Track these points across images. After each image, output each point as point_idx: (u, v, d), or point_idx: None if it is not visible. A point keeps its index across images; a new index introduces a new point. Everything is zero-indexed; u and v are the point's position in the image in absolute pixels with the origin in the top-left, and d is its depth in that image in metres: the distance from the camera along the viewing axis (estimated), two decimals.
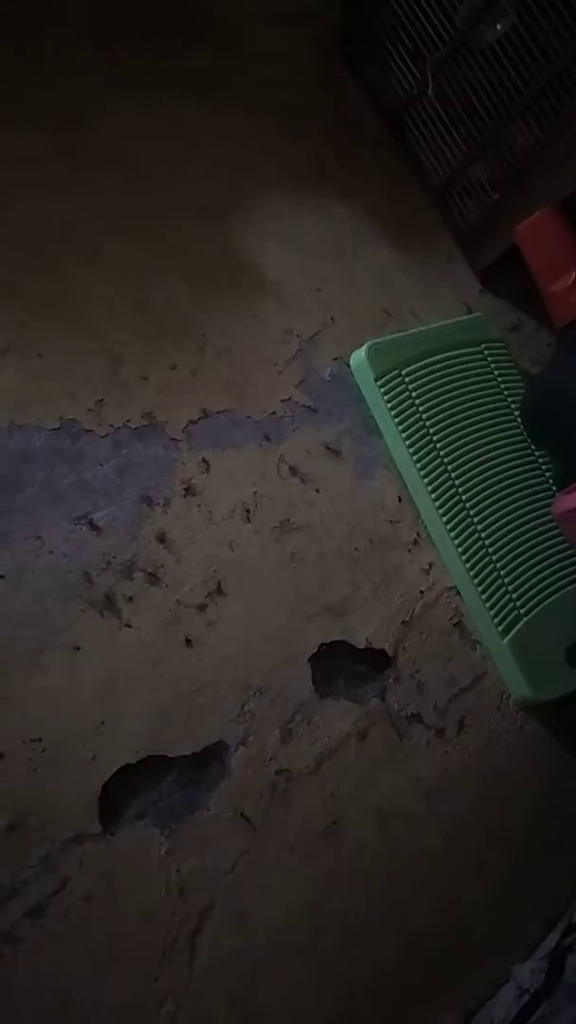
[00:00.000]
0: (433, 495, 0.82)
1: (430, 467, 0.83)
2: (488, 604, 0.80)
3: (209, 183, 0.86)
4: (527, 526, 0.85)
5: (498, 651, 0.80)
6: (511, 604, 0.81)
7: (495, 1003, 0.69)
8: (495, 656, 0.80)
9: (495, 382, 0.91)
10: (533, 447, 0.90)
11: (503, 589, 0.81)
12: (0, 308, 0.69)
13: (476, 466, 0.85)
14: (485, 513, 0.83)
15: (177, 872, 0.61)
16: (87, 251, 0.75)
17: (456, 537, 0.81)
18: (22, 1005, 0.54)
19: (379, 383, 0.83)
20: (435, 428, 0.84)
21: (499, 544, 0.83)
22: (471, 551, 0.81)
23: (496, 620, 0.79)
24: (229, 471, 0.74)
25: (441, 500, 0.82)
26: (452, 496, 0.83)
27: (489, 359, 0.92)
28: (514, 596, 0.81)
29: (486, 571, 0.81)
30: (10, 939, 0.54)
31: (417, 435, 0.83)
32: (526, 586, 0.82)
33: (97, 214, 0.77)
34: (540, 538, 0.85)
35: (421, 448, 0.83)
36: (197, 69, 0.91)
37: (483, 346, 0.92)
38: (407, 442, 0.83)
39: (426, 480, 0.82)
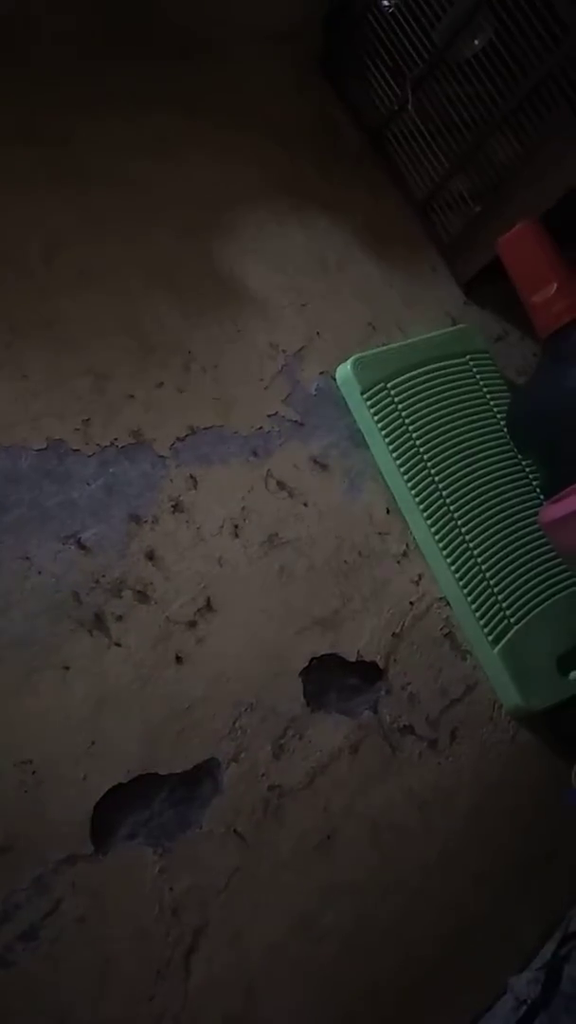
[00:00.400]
0: (421, 506, 0.82)
1: (418, 478, 0.83)
2: (478, 614, 0.80)
3: (194, 199, 0.87)
4: (515, 535, 0.85)
5: (489, 661, 0.80)
6: (501, 613, 0.81)
7: (492, 1014, 0.69)
8: (486, 666, 0.80)
9: (481, 392, 0.92)
10: (519, 456, 0.90)
11: (492, 599, 0.81)
12: None
13: (463, 476, 0.86)
14: (473, 523, 0.84)
15: (170, 891, 0.60)
16: (72, 269, 0.76)
17: (445, 548, 0.82)
18: None
19: (365, 396, 0.84)
20: (422, 439, 0.85)
21: (488, 554, 0.83)
22: (460, 561, 0.82)
23: (486, 630, 0.79)
24: (217, 487, 0.75)
25: (429, 511, 0.82)
26: (440, 507, 0.83)
27: (474, 369, 0.92)
28: (504, 605, 0.81)
29: (475, 581, 0.81)
30: (3, 962, 0.54)
31: (404, 447, 0.84)
32: (515, 595, 0.82)
33: (83, 231, 0.78)
34: (528, 547, 0.85)
35: (408, 460, 0.83)
36: (182, 86, 0.92)
37: (468, 357, 0.93)
38: (394, 454, 0.83)
39: (414, 491, 0.82)
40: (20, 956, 0.55)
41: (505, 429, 0.91)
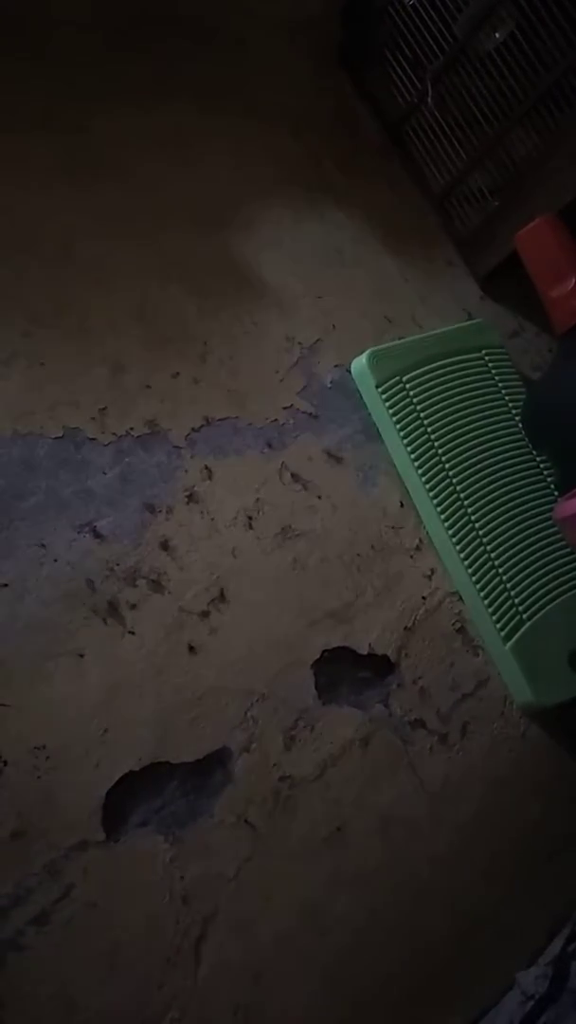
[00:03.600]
0: (435, 500, 0.82)
1: (431, 472, 0.83)
2: (490, 609, 0.80)
3: (211, 191, 0.87)
4: (529, 531, 0.85)
5: (501, 656, 0.80)
6: (513, 609, 0.81)
7: (499, 1009, 0.69)
8: (497, 661, 0.80)
9: (496, 387, 0.91)
10: (534, 452, 0.90)
11: (505, 594, 0.81)
12: (4, 318, 0.69)
13: (477, 471, 0.85)
14: (487, 518, 0.84)
15: (181, 879, 0.61)
16: (90, 260, 0.76)
17: (458, 542, 0.81)
18: (27, 1013, 0.54)
19: (380, 389, 0.84)
20: (436, 434, 0.85)
21: (501, 549, 0.83)
22: (473, 556, 0.81)
23: (498, 625, 0.79)
24: (231, 478, 0.75)
25: (443, 505, 0.82)
26: (454, 501, 0.83)
27: (490, 364, 0.92)
28: (516, 601, 0.81)
29: (488, 576, 0.81)
30: (15, 946, 0.55)
31: (418, 441, 0.84)
32: (528, 591, 0.82)
33: (99, 222, 0.78)
34: (542, 543, 0.85)
35: (422, 454, 0.83)
36: (199, 78, 0.92)
37: (484, 352, 0.92)
38: (408, 448, 0.83)
39: (428, 485, 0.82)
40: (31, 940, 0.55)
41: (519, 425, 0.90)
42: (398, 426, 0.83)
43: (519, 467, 0.88)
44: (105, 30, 0.87)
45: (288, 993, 0.62)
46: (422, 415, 0.85)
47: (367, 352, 0.85)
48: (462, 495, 0.83)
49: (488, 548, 0.82)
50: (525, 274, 0.87)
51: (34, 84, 0.80)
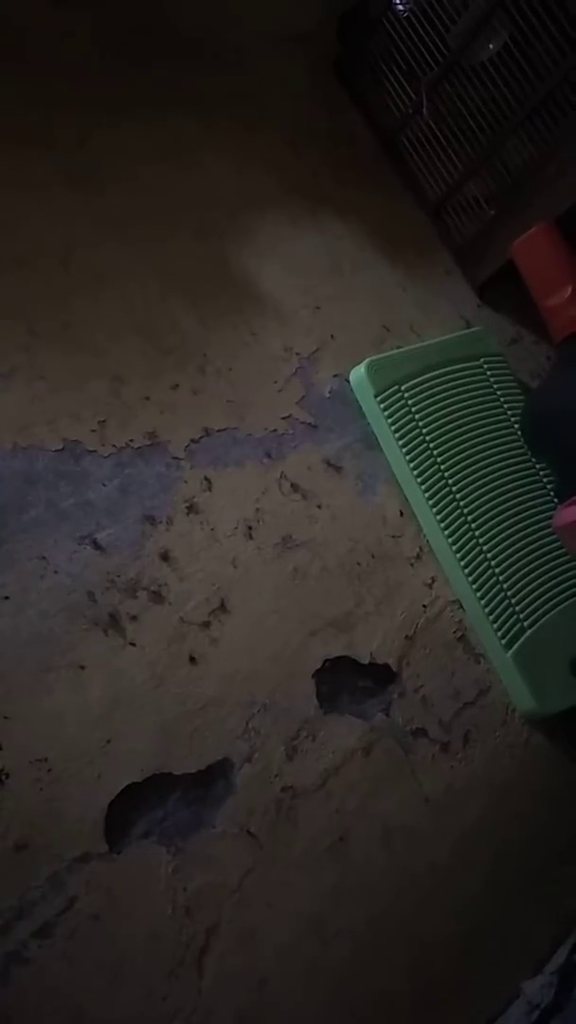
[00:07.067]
0: (434, 509, 0.82)
1: (431, 481, 0.83)
2: (491, 617, 0.80)
3: (209, 202, 0.87)
4: (529, 539, 0.85)
5: (502, 664, 0.80)
6: (514, 617, 0.81)
7: (505, 1019, 0.69)
8: (499, 669, 0.80)
9: (494, 395, 0.92)
10: (533, 460, 0.90)
11: (506, 602, 0.81)
12: (5, 331, 0.70)
13: (477, 479, 0.86)
14: (487, 526, 0.84)
15: (184, 890, 0.61)
16: (90, 272, 0.76)
17: (458, 551, 0.82)
18: None
19: (379, 399, 0.84)
20: (435, 442, 0.85)
21: (501, 557, 0.83)
22: (473, 564, 0.82)
23: (499, 633, 0.79)
24: (231, 488, 0.75)
25: (443, 514, 0.82)
26: (454, 510, 0.83)
27: (488, 373, 0.92)
28: (517, 609, 0.81)
29: (488, 584, 0.81)
30: (19, 959, 0.55)
31: (418, 450, 0.84)
32: (529, 599, 0.82)
33: (99, 234, 0.78)
34: (542, 551, 0.85)
35: (422, 462, 0.84)
36: (199, 91, 0.93)
37: (482, 360, 0.93)
38: (408, 457, 0.83)
39: (427, 494, 0.83)
40: (35, 953, 0.55)
41: (519, 432, 0.91)
42: (397, 435, 0.83)
43: (518, 475, 0.88)
44: (104, 44, 0.88)
45: (292, 1003, 0.62)
46: (421, 424, 0.85)
47: (365, 361, 0.85)
48: (462, 503, 0.84)
49: (488, 556, 0.82)
50: (522, 283, 0.88)
51: (34, 97, 0.80)
